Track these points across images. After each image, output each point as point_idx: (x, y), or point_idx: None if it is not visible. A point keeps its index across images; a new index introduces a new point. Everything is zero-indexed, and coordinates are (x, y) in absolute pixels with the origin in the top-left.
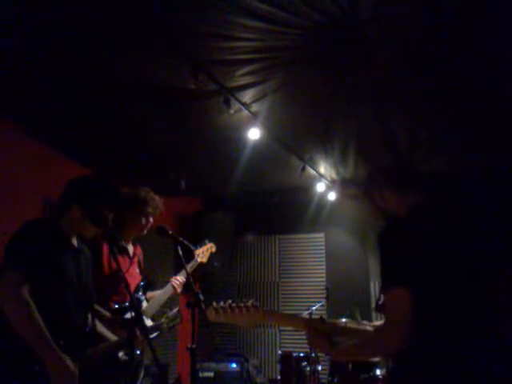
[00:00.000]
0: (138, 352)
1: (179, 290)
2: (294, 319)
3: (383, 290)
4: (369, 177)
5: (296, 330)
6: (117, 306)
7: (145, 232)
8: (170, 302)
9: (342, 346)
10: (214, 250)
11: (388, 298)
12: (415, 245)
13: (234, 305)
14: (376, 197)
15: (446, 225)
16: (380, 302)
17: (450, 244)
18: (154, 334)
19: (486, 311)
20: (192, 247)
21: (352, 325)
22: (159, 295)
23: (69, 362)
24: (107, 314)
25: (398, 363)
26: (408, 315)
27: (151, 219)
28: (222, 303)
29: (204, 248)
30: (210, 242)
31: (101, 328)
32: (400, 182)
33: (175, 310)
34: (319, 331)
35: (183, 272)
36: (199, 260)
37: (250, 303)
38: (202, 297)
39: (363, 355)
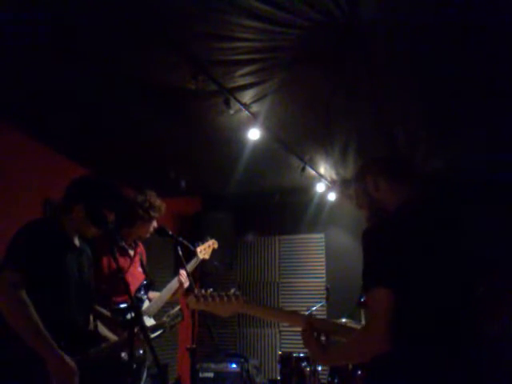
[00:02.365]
0: (141, 352)
1: (186, 284)
2: (271, 311)
3: (365, 289)
4: (365, 163)
5: (297, 331)
6: (118, 307)
7: (148, 235)
8: (170, 301)
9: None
10: (216, 246)
11: (369, 298)
12: (401, 245)
13: (214, 293)
14: (369, 184)
15: (435, 227)
16: (361, 299)
17: (437, 247)
18: (157, 333)
19: (470, 316)
20: (192, 247)
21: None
22: (162, 293)
23: (69, 359)
24: (108, 314)
25: (378, 365)
26: (388, 316)
27: (155, 223)
28: (203, 291)
29: (206, 245)
30: (211, 238)
31: (102, 329)
32: (397, 172)
33: (177, 308)
34: (296, 320)
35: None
36: (201, 257)
37: (231, 292)
38: None
39: (348, 358)
